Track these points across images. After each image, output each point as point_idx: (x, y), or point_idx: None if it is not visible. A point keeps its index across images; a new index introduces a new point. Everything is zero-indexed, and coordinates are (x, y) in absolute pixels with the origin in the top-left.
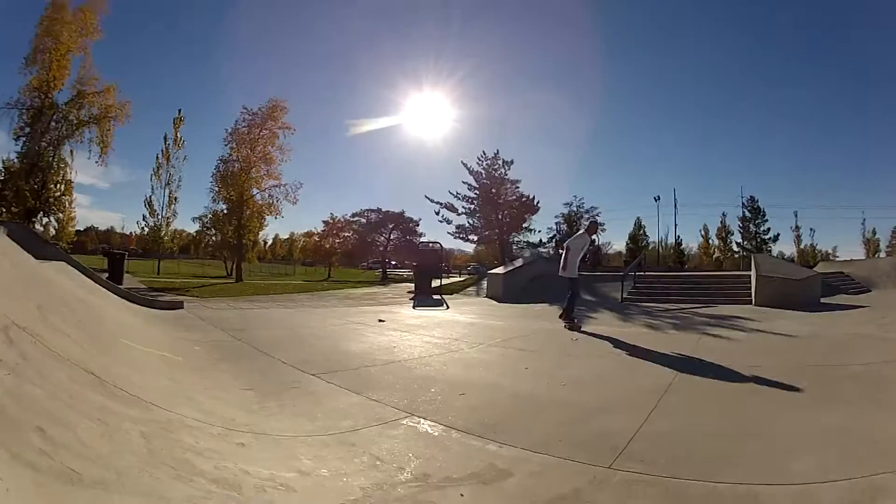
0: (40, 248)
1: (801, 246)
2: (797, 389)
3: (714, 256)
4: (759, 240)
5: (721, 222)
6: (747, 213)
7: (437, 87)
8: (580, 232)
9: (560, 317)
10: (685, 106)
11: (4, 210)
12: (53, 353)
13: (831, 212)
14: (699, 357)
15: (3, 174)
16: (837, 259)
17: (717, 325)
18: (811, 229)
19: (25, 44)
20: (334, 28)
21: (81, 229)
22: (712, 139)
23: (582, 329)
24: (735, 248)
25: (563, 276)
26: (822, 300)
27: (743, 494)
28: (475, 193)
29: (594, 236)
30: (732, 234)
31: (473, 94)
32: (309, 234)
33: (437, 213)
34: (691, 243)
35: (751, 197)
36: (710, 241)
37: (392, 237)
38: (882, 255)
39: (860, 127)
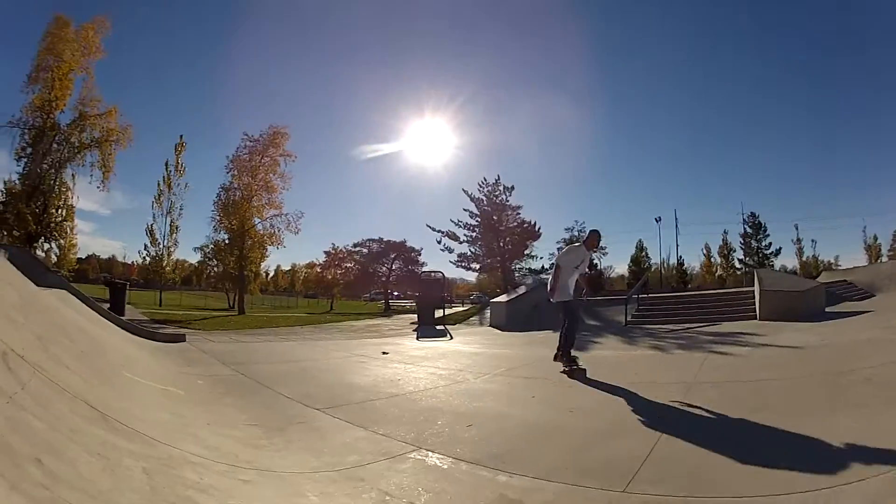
0: (42, 275)
1: (804, 258)
2: (809, 398)
3: (717, 274)
4: (760, 255)
5: (723, 240)
6: (748, 230)
7: (439, 112)
8: (575, 245)
9: (555, 358)
10: (682, 123)
11: (6, 234)
12: (54, 383)
13: (832, 221)
14: (706, 375)
15: (4, 195)
16: (840, 268)
17: (723, 342)
18: (812, 241)
19: (28, 60)
20: (331, 52)
21: (83, 257)
22: (712, 155)
23: (587, 375)
24: (737, 264)
25: (553, 302)
26: (827, 309)
27: None
28: (476, 221)
29: (593, 252)
30: (734, 251)
31: (474, 119)
32: (311, 265)
33: (439, 242)
34: (693, 263)
35: (751, 213)
36: (713, 260)
37: (394, 267)
38: (884, 259)
39: (856, 133)
